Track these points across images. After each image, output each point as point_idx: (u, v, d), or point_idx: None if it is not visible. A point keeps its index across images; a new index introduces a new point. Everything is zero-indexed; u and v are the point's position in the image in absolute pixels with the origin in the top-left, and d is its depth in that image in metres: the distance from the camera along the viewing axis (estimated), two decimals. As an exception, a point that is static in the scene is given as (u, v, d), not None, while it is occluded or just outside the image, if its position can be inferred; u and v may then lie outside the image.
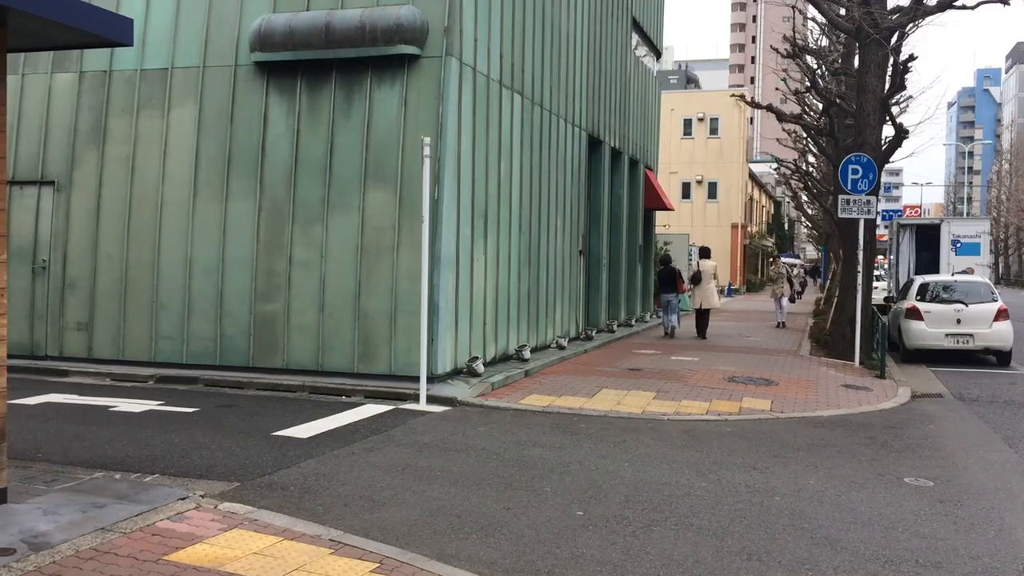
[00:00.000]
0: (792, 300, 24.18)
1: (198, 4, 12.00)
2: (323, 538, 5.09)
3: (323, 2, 11.48)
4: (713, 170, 49.13)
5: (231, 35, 11.84)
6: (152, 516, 5.32)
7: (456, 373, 11.39)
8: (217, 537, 5.02)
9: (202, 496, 5.87)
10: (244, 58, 11.74)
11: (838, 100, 18.73)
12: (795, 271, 39.40)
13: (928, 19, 15.62)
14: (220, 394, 10.59)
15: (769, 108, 19.36)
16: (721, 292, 28.73)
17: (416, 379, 10.20)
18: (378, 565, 4.70)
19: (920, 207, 62.06)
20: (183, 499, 5.70)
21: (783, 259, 38.52)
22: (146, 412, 9.32)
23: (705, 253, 20.74)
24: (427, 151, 10.13)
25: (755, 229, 56.09)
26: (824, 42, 24.16)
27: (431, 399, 10.10)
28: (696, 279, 19.68)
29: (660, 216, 29.74)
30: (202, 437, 8.13)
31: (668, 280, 19.86)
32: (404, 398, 10.23)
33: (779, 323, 22.76)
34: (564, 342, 15.33)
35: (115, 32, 5.50)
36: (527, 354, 13.22)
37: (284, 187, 11.56)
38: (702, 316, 19.44)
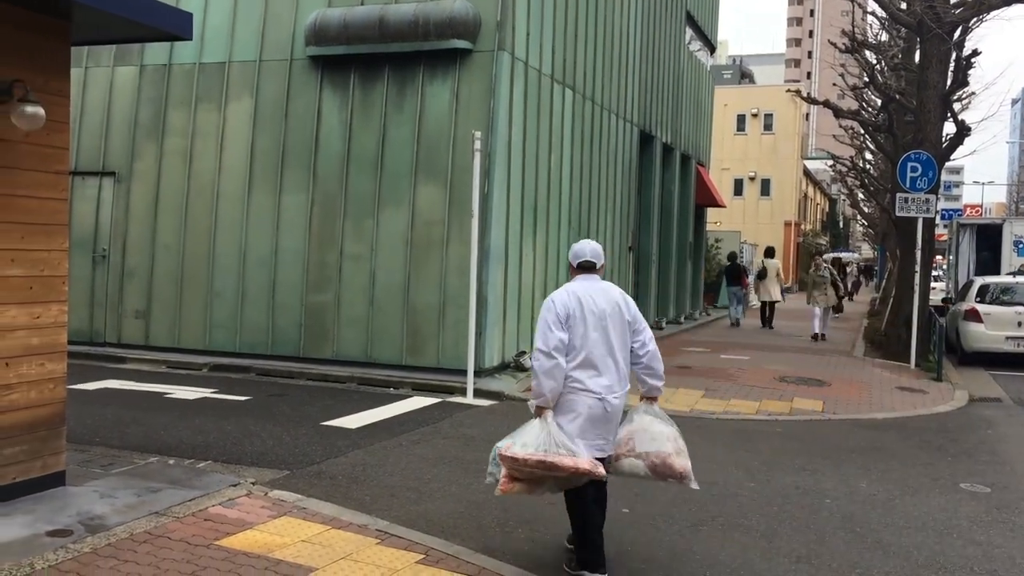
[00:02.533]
0: (838, 310, 20.68)
1: (255, -1, 12.19)
2: (370, 528, 5.15)
3: (377, -3, 11.57)
4: (766, 167, 48.42)
5: (287, 29, 11.99)
6: (204, 502, 5.42)
7: (503, 367, 11.41)
8: (267, 524, 5.10)
9: (253, 483, 5.97)
10: (299, 52, 11.88)
11: (898, 96, 18.33)
12: (849, 268, 37.72)
13: (993, 13, 15.21)
14: (271, 383, 10.76)
15: (826, 104, 19.03)
16: (787, 290, 28.41)
17: (463, 372, 10.24)
18: (424, 556, 4.73)
19: (981, 206, 60.46)
20: (234, 486, 5.81)
21: (834, 255, 35.19)
22: (200, 399, 9.51)
23: (770, 253, 22.33)
24: (478, 145, 10.16)
25: (809, 227, 55.19)
26: (884, 37, 23.63)
27: (478, 393, 10.13)
28: (762, 275, 21.40)
29: (711, 213, 29.40)
30: (253, 425, 8.27)
31: (734, 276, 22.04)
32: (451, 391, 10.28)
33: (815, 334, 18.52)
34: (612, 338, 15.23)
35: (175, 26, 5.61)
36: (575, 350, 13.16)
37: (336, 180, 11.68)
38: (766, 308, 21.25)
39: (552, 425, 4.61)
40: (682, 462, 4.90)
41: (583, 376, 4.75)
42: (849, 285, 36.97)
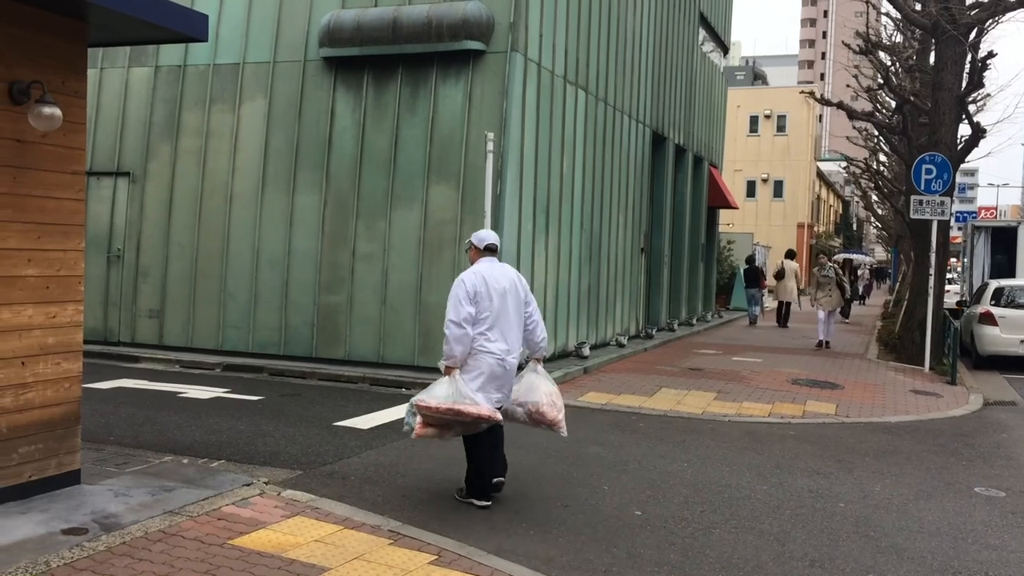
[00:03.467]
0: (844, 315, 19.78)
1: (270, 0, 12.22)
2: (382, 528, 5.16)
3: (391, -2, 11.60)
4: (779, 168, 48.27)
5: (301, 31, 12.04)
6: (218, 501, 5.44)
7: (515, 368, 11.40)
8: (280, 524, 5.12)
9: (266, 483, 5.99)
10: (313, 53, 11.92)
11: (912, 98, 18.24)
12: (860, 271, 37.17)
13: (1009, 15, 15.13)
14: (284, 383, 10.79)
15: (840, 105, 18.95)
16: (802, 292, 28.24)
17: (476, 373, 10.22)
18: (436, 557, 4.74)
19: (996, 209, 60.08)
20: (248, 485, 5.83)
21: (845, 255, 33.27)
22: (213, 399, 9.55)
23: (790, 255, 23.14)
24: (490, 146, 10.16)
25: (822, 229, 54.97)
26: (898, 38, 23.52)
27: (490, 394, 10.12)
28: (780, 276, 22.38)
29: (724, 215, 29.34)
30: (266, 425, 8.29)
31: (752, 277, 23.37)
32: (463, 392, 10.26)
33: (820, 342, 17.37)
34: (624, 340, 15.24)
35: (190, 28, 5.63)
36: (586, 351, 13.17)
37: (349, 181, 11.71)
38: (782, 308, 22.07)
39: (459, 381, 5.72)
40: (553, 413, 6.06)
41: (487, 341, 5.88)
42: (860, 288, 36.30)
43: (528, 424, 6.18)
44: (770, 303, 26.49)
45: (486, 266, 6.00)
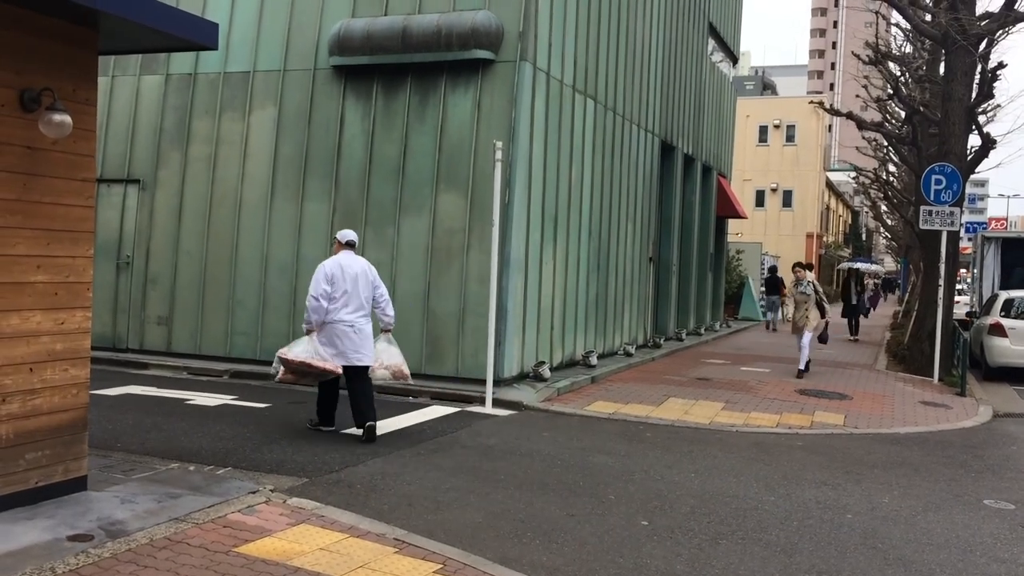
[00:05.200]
0: (822, 339, 14.76)
1: (280, 9, 12.29)
2: (388, 537, 5.15)
3: (401, 7, 11.63)
4: (788, 178, 48.19)
5: (311, 39, 12.09)
6: (224, 508, 5.44)
7: (522, 377, 11.40)
8: (285, 531, 5.11)
9: (272, 490, 5.99)
10: (323, 62, 11.97)
11: (922, 108, 18.20)
12: (867, 282, 36.31)
13: (1019, 25, 15.08)
14: (291, 391, 10.78)
15: (849, 115, 18.92)
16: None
17: (482, 382, 10.24)
18: (441, 566, 4.72)
19: (1006, 220, 59.83)
20: (253, 493, 5.83)
21: (850, 265, 29.15)
22: (221, 406, 9.56)
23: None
24: (499, 155, 10.18)
25: (831, 239, 54.83)
26: (908, 48, 23.50)
27: (497, 402, 10.12)
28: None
29: (733, 224, 29.30)
30: (273, 432, 8.30)
31: (772, 285, 25.21)
32: (470, 400, 10.27)
33: (800, 370, 14.03)
34: (632, 349, 15.21)
35: (201, 36, 5.66)
36: (594, 360, 13.15)
37: (358, 188, 11.74)
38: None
39: (314, 342, 7.82)
40: (407, 370, 8.43)
41: (342, 312, 7.88)
42: (867, 300, 35.09)
43: (390, 380, 8.49)
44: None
45: (344, 256, 8.02)
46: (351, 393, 8.01)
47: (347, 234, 8.18)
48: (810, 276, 14.86)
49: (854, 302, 23.57)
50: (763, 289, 26.96)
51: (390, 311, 8.23)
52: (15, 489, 5.12)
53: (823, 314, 14.27)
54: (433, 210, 11.36)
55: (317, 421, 8.36)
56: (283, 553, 4.77)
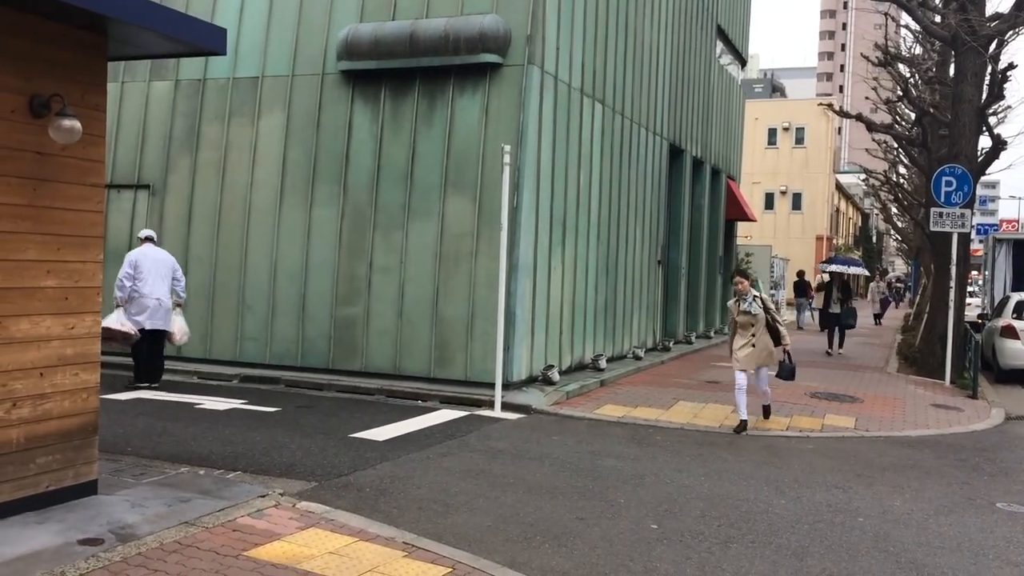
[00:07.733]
0: (784, 375, 9.88)
1: (288, 14, 12.33)
2: (397, 541, 5.14)
3: (409, 11, 11.66)
4: (798, 181, 48.09)
5: (319, 44, 12.12)
6: (233, 512, 5.45)
7: (531, 381, 11.39)
8: (295, 535, 5.12)
9: (281, 494, 5.99)
10: (331, 67, 12.00)
11: (932, 110, 18.14)
12: (879, 286, 35.31)
13: (1030, 26, 15.00)
14: (300, 395, 10.82)
15: (858, 117, 18.88)
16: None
17: (491, 386, 10.23)
18: (450, 570, 4.72)
19: (1018, 221, 59.50)
20: (263, 496, 5.84)
21: (833, 267, 21.08)
22: (230, 410, 9.58)
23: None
24: (507, 159, 10.18)
25: (841, 242, 54.65)
26: (918, 50, 23.43)
27: (506, 406, 10.12)
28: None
29: (742, 227, 29.22)
30: (282, 437, 8.31)
31: (800, 288, 26.61)
32: (479, 404, 10.27)
33: (742, 422, 9.48)
34: (641, 352, 15.18)
35: (210, 42, 5.68)
36: (603, 363, 13.13)
37: (366, 193, 11.76)
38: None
39: (121, 314, 10.13)
40: (179, 335, 10.90)
41: (147, 290, 10.35)
42: (879, 305, 33.72)
43: (175, 341, 10.88)
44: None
45: (146, 247, 10.61)
46: (149, 352, 10.55)
47: (146, 232, 10.88)
48: (758, 290, 10.56)
49: (833, 310, 19.18)
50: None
51: (182, 292, 10.87)
52: (26, 493, 5.14)
53: (778, 340, 9.70)
54: (441, 214, 11.37)
55: (134, 379, 10.63)
56: (292, 557, 4.77)
